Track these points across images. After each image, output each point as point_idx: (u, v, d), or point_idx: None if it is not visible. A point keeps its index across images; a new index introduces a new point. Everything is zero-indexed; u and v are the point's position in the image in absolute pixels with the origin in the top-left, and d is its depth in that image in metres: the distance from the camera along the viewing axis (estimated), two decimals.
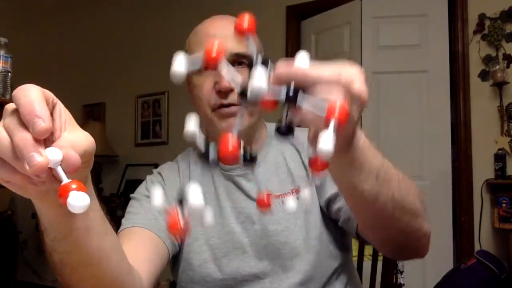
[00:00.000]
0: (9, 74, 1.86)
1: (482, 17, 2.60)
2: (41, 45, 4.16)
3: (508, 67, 2.51)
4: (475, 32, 2.62)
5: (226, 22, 0.90)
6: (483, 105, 2.58)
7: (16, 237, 3.82)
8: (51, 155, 0.36)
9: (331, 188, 0.83)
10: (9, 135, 0.37)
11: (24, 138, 0.36)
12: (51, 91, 0.42)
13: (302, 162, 0.91)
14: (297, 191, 0.89)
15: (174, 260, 0.91)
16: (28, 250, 4.02)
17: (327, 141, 0.35)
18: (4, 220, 3.72)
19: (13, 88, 1.91)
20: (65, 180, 0.36)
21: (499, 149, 2.49)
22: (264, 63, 0.39)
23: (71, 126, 0.41)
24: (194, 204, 0.38)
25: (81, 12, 4.12)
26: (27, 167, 0.35)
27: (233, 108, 0.86)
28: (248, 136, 0.93)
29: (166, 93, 3.66)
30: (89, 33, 4.09)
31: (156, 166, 1.46)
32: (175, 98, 3.60)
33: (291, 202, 0.51)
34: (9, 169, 0.37)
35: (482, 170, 2.54)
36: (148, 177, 0.97)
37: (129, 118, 3.84)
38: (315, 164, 0.40)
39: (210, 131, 0.93)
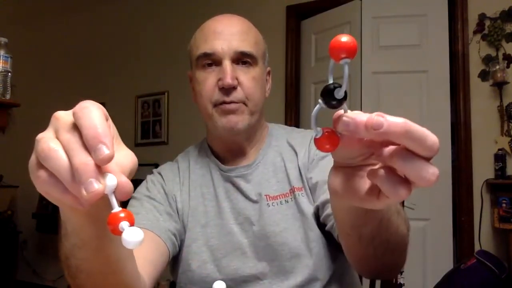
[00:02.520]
0: (9, 74, 1.86)
1: (482, 17, 2.60)
2: (41, 45, 4.16)
3: (508, 67, 2.51)
4: (475, 32, 2.62)
5: (233, 20, 0.90)
6: (483, 105, 2.58)
7: (16, 237, 3.82)
8: (108, 181, 0.35)
9: (322, 194, 0.83)
10: (67, 155, 0.35)
11: (86, 163, 0.34)
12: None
13: (298, 164, 0.91)
14: (292, 191, 0.89)
15: (174, 260, 0.91)
16: (28, 250, 4.02)
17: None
18: (4, 220, 3.71)
19: (13, 88, 1.91)
20: (116, 208, 0.35)
21: (499, 149, 2.49)
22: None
23: (117, 145, 0.40)
24: None
25: (81, 12, 4.12)
26: (84, 193, 0.34)
27: (234, 105, 0.86)
28: (249, 136, 0.93)
29: (166, 93, 3.66)
30: (89, 33, 4.09)
31: (156, 166, 1.46)
32: (175, 98, 3.60)
33: None
34: (61, 188, 0.36)
35: (482, 170, 2.54)
36: (149, 177, 0.97)
37: (129, 118, 3.84)
38: (322, 143, 0.38)
39: (209, 127, 0.93)
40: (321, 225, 0.86)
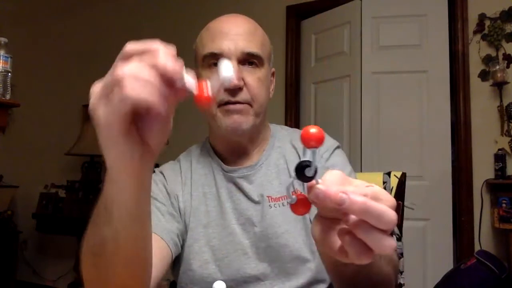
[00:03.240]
0: (9, 74, 1.86)
1: (482, 17, 2.60)
2: (41, 45, 4.15)
3: (508, 67, 2.51)
4: (475, 32, 2.62)
5: (240, 20, 0.90)
6: (483, 105, 2.58)
7: (16, 237, 3.81)
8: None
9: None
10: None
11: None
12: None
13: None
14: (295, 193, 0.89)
15: (175, 260, 0.91)
16: (28, 250, 4.02)
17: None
18: (4, 220, 3.71)
19: (13, 88, 1.91)
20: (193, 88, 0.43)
21: (499, 149, 2.49)
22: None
23: None
24: (226, 75, 0.44)
25: (81, 12, 4.12)
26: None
27: (239, 106, 0.86)
28: (252, 137, 0.93)
29: None
30: (89, 33, 4.09)
31: (156, 166, 1.45)
32: None
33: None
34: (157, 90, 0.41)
35: (482, 170, 2.54)
36: None
37: None
38: (297, 207, 0.43)
39: (213, 127, 0.93)
40: None
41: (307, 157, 0.41)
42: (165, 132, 0.46)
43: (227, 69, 0.43)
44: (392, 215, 0.37)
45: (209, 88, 0.43)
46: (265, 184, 0.90)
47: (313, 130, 0.41)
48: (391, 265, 0.66)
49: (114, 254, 0.54)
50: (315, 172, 0.41)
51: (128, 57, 0.44)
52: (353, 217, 0.38)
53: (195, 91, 0.43)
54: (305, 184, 0.41)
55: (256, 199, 0.89)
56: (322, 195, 0.38)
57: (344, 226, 0.40)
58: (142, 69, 0.41)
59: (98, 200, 0.53)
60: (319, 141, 0.41)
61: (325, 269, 0.65)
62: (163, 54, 0.42)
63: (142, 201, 0.51)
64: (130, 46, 0.44)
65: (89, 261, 0.56)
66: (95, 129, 0.47)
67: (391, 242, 0.37)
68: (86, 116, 4.06)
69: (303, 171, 0.41)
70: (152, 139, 0.46)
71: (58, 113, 4.05)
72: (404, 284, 1.48)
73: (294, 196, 0.43)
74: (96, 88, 0.46)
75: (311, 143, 0.41)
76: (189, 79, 0.43)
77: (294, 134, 0.99)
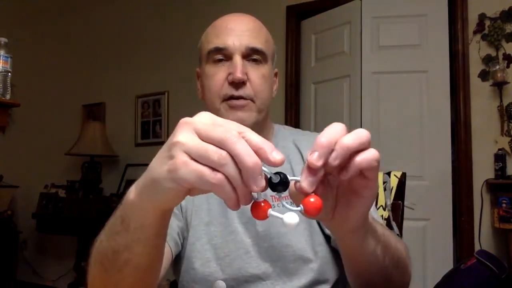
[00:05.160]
0: (9, 74, 1.86)
1: (482, 17, 2.60)
2: (41, 45, 4.16)
3: (508, 67, 2.51)
4: (475, 32, 2.62)
5: (245, 18, 0.91)
6: (483, 105, 2.58)
7: (16, 237, 3.82)
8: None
9: None
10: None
11: (256, 162, 0.39)
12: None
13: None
14: None
15: (177, 259, 0.91)
16: (28, 250, 4.03)
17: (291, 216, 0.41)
18: (4, 220, 3.72)
19: (13, 88, 1.91)
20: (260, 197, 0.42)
21: (499, 149, 2.49)
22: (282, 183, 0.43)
23: None
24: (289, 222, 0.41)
25: (81, 12, 4.12)
26: (255, 188, 0.39)
27: (243, 101, 0.86)
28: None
29: (166, 93, 3.66)
30: (89, 33, 4.09)
31: None
32: (175, 98, 3.60)
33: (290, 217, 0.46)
34: (230, 189, 0.40)
35: (482, 170, 2.54)
36: None
37: (129, 118, 3.84)
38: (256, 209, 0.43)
39: None
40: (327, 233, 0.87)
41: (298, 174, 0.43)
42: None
43: (292, 218, 0.41)
44: (354, 138, 0.43)
45: (268, 212, 0.42)
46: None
47: (312, 200, 0.42)
48: (406, 251, 0.69)
49: (126, 264, 0.54)
50: (286, 185, 0.42)
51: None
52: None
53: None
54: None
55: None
56: (310, 182, 0.43)
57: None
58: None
59: (115, 211, 0.53)
60: (318, 212, 0.42)
61: (341, 253, 0.67)
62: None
63: (163, 226, 0.52)
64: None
65: (98, 268, 0.57)
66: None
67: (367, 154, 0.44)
68: (85, 116, 4.06)
69: (274, 186, 0.42)
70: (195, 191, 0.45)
71: (58, 113, 4.05)
72: None
73: (300, 207, 0.43)
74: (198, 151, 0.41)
75: (311, 212, 0.42)
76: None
77: (297, 134, 0.99)
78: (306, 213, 0.43)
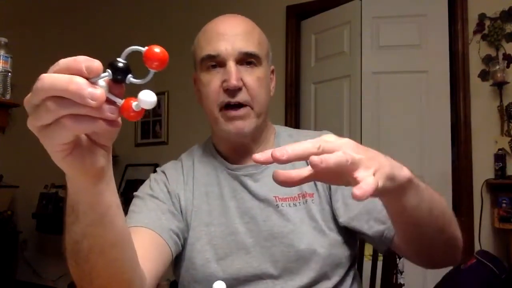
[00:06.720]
0: (9, 74, 1.86)
1: (482, 17, 2.60)
2: (41, 45, 4.15)
3: (508, 67, 2.51)
4: (475, 32, 2.62)
5: (236, 21, 0.90)
6: (483, 105, 2.58)
7: (16, 237, 3.81)
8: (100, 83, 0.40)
9: (355, 206, 0.84)
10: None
11: (79, 82, 0.39)
12: None
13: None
14: (303, 195, 0.89)
15: (177, 259, 0.91)
16: (28, 250, 4.02)
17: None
18: (4, 220, 3.71)
19: (13, 88, 1.91)
20: (119, 100, 0.41)
21: (499, 149, 2.49)
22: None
23: None
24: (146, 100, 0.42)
25: (81, 12, 4.12)
26: (94, 103, 0.39)
27: (241, 111, 0.86)
28: (255, 137, 0.92)
29: (166, 93, 3.66)
30: (89, 33, 4.09)
31: (156, 166, 1.45)
32: (175, 98, 3.60)
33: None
34: (89, 120, 0.40)
35: (482, 170, 2.54)
36: (152, 176, 0.96)
37: None
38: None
39: (215, 130, 0.93)
40: (339, 229, 0.87)
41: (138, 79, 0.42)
42: (114, 131, 0.45)
43: (149, 95, 0.41)
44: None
45: (133, 106, 0.42)
46: (272, 184, 0.90)
47: (157, 50, 0.41)
48: (457, 227, 0.80)
49: (90, 251, 0.56)
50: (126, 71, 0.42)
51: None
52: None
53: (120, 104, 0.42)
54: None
55: (262, 197, 0.89)
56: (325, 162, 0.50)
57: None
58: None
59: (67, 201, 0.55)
60: (163, 63, 0.40)
61: (397, 228, 0.75)
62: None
63: (105, 195, 0.52)
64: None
65: (70, 261, 0.59)
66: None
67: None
68: None
69: (122, 72, 0.41)
70: (102, 140, 0.47)
71: None
72: (404, 284, 1.48)
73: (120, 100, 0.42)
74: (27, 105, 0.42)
75: (154, 63, 0.41)
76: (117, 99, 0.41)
77: (298, 134, 0.99)
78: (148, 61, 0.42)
